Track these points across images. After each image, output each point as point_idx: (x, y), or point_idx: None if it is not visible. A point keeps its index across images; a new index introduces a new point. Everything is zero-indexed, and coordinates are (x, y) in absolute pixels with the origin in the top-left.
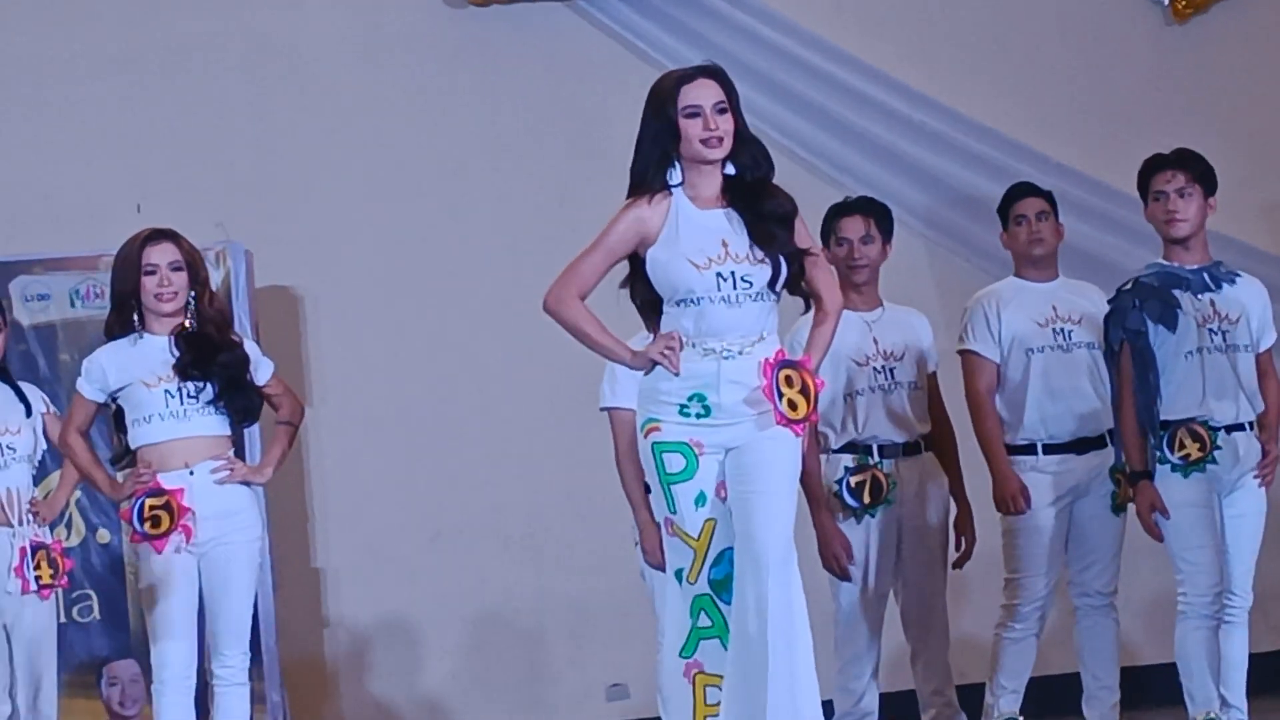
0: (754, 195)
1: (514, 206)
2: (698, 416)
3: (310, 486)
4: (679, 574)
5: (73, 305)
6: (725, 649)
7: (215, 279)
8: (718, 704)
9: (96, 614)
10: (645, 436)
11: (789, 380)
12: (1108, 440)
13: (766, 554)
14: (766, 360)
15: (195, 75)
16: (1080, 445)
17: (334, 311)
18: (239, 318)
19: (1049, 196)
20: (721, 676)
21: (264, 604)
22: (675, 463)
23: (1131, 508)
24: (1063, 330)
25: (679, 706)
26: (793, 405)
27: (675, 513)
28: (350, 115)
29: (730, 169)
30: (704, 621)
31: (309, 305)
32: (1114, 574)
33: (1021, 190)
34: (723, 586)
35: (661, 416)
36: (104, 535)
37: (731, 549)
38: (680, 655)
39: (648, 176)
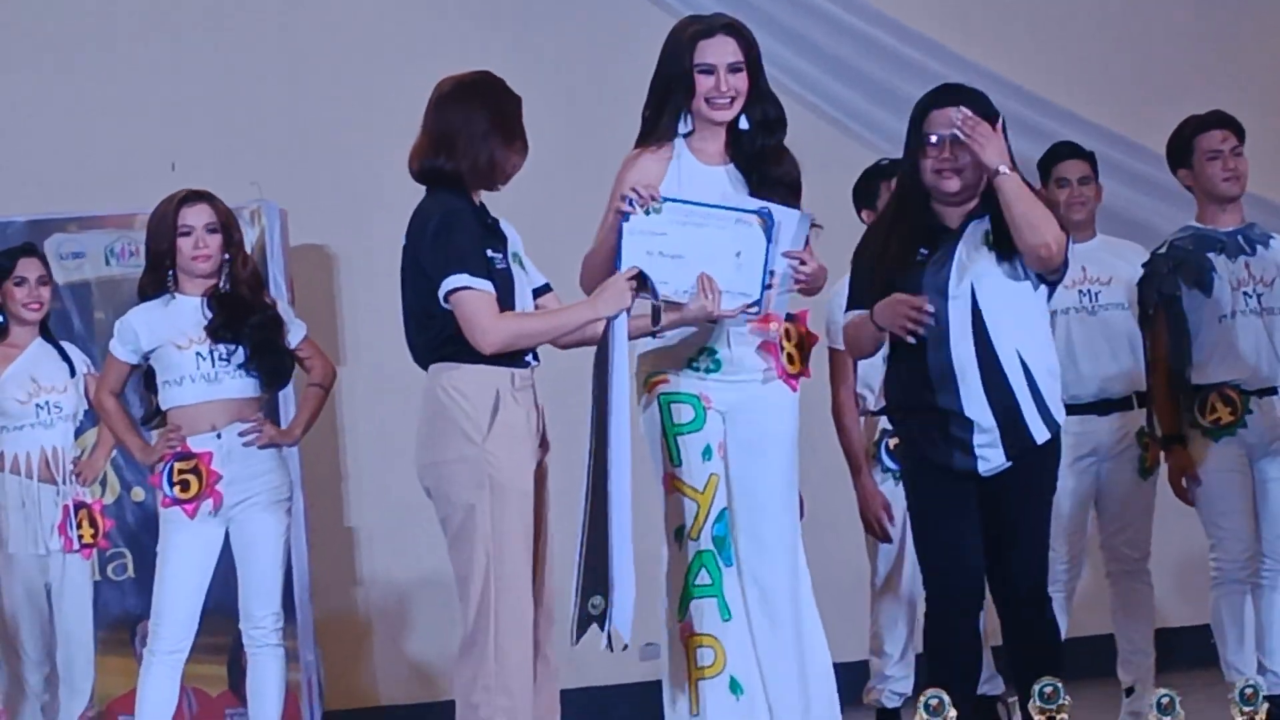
0: (763, 156)
1: (548, 164)
2: (707, 371)
3: (344, 445)
4: (679, 532)
5: (107, 263)
6: (720, 609)
7: (250, 238)
8: (709, 665)
9: (131, 572)
10: (650, 390)
11: (788, 334)
12: (1134, 403)
13: (775, 548)
14: (769, 313)
15: (230, 33)
16: (1104, 407)
17: (368, 271)
18: (274, 277)
19: (1091, 159)
20: (713, 636)
21: (298, 563)
22: (684, 413)
23: (1163, 471)
24: (1089, 292)
25: (674, 670)
26: (790, 359)
27: (680, 464)
28: (385, 74)
29: (744, 123)
30: (703, 579)
31: (343, 264)
32: (1146, 538)
33: (1065, 150)
34: (723, 544)
35: (669, 369)
36: (138, 493)
37: (727, 509)
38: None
39: (659, 125)
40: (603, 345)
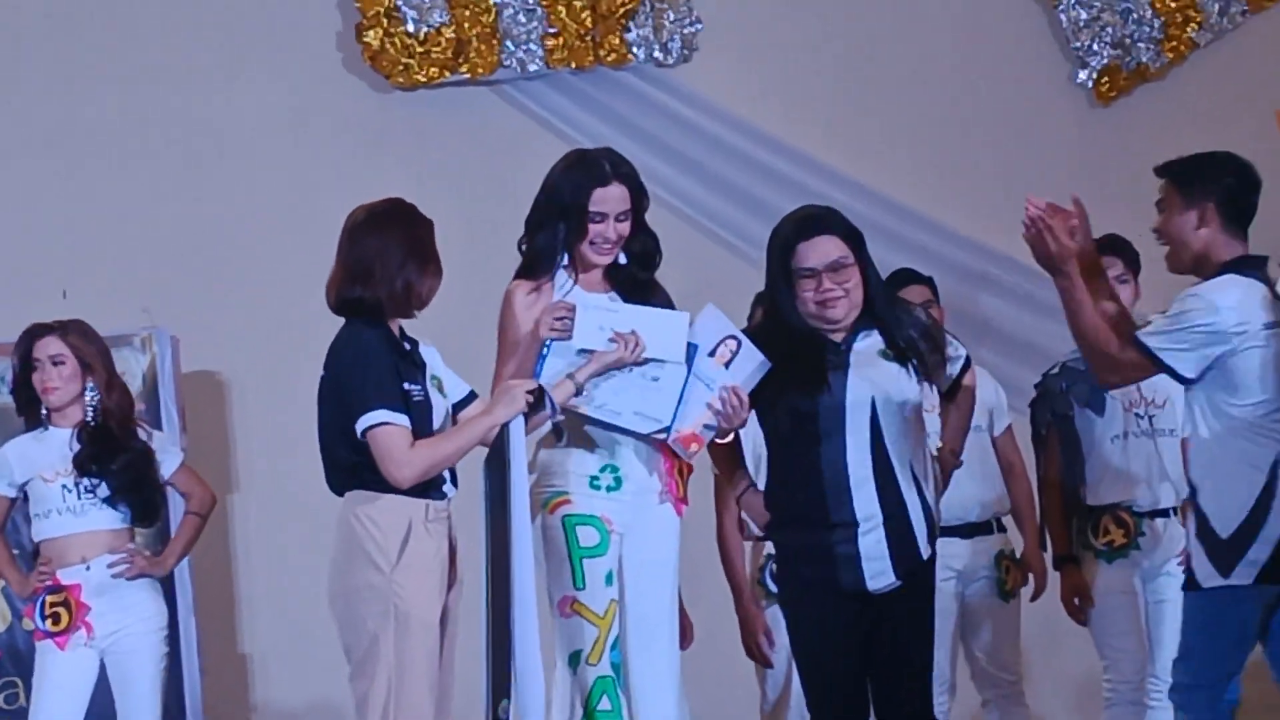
0: (643, 289)
1: (441, 288)
2: (608, 490)
3: (237, 571)
4: (575, 657)
5: None
6: None
7: (141, 364)
8: None
9: (23, 700)
10: (552, 511)
11: (673, 458)
12: (993, 527)
13: (666, 672)
14: (664, 439)
15: (122, 159)
16: (967, 530)
17: (261, 397)
18: (165, 403)
19: (931, 283)
20: None
21: (190, 690)
22: (590, 537)
23: (1036, 591)
24: None
25: None
26: (677, 485)
27: (583, 588)
28: (277, 199)
29: (622, 258)
30: (604, 705)
31: (235, 390)
32: (1016, 660)
33: (904, 276)
34: (618, 670)
35: (571, 489)
36: (29, 622)
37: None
38: None
39: (543, 257)
40: (498, 447)
